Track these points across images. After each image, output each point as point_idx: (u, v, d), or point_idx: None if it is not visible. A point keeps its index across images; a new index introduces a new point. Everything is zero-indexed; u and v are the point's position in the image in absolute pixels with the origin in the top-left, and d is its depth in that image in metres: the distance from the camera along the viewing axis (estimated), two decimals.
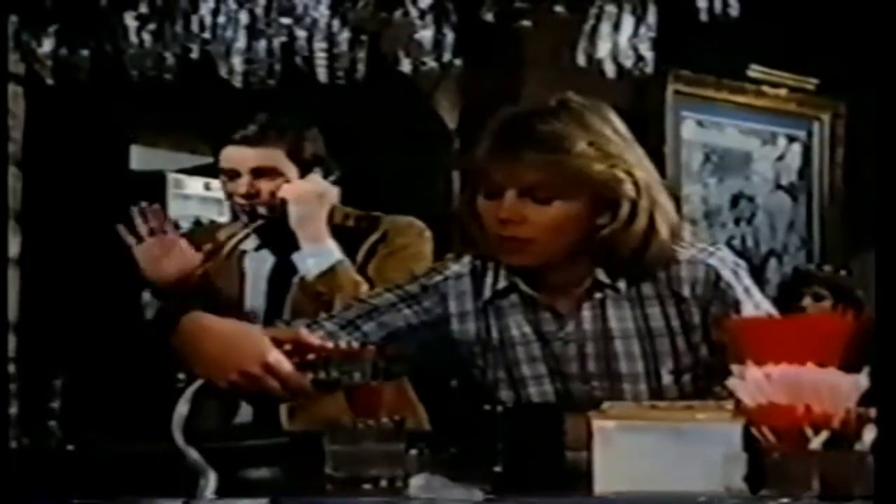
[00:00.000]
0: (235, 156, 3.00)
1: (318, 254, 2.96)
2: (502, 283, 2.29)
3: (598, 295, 2.26)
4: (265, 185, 2.99)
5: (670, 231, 2.22)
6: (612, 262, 2.22)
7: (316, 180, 3.02)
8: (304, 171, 3.02)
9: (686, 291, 2.24)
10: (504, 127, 2.18)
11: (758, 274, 6.23)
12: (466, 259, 2.36)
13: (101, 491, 1.99)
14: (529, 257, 2.21)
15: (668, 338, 2.26)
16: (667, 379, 2.27)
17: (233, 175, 3.01)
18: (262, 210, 3.00)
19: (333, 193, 3.06)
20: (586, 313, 2.27)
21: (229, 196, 3.06)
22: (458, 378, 2.67)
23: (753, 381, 1.87)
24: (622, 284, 2.24)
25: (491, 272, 2.31)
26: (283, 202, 2.98)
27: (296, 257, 2.98)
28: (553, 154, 2.12)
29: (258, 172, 2.98)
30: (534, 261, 2.22)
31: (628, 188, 2.17)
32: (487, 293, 2.30)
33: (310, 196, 2.99)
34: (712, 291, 2.23)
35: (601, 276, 2.25)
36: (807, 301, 5.24)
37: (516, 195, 2.14)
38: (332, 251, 2.97)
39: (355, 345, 2.10)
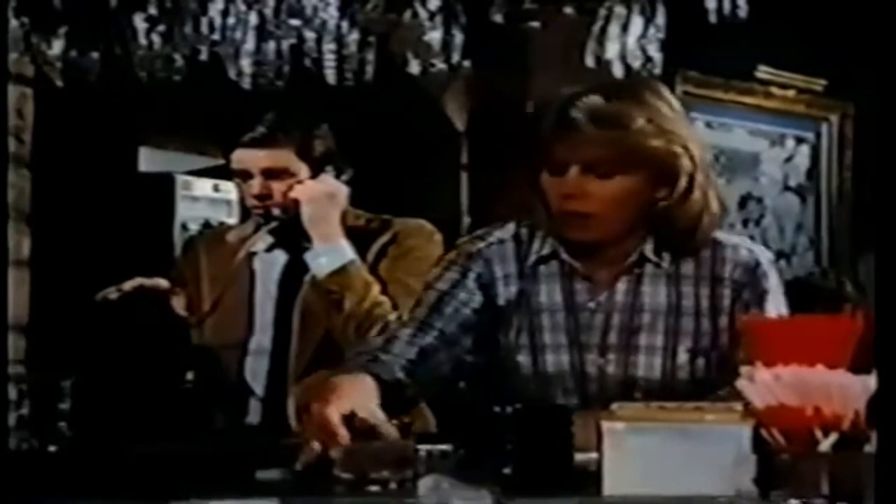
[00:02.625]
0: (246, 157, 3.00)
1: (330, 252, 2.96)
2: (546, 250, 2.36)
3: (637, 270, 2.33)
4: (277, 186, 3.00)
5: (720, 207, 2.31)
6: (665, 235, 2.30)
7: (327, 180, 3.02)
8: (315, 170, 3.02)
9: (726, 272, 2.33)
10: (566, 105, 2.23)
11: None
12: (510, 226, 2.43)
13: (107, 493, 1.99)
14: (591, 232, 2.29)
15: (693, 317, 2.33)
16: (682, 357, 2.32)
17: (245, 176, 3.02)
18: (275, 211, 3.01)
19: (345, 193, 3.06)
20: (621, 286, 2.34)
21: (242, 197, 3.07)
22: (465, 380, 2.67)
23: (763, 383, 1.87)
24: (666, 261, 2.32)
25: (537, 239, 2.38)
26: (296, 202, 2.99)
27: (308, 256, 2.98)
28: (613, 130, 2.19)
29: (269, 173, 2.99)
30: (595, 235, 2.29)
31: (685, 162, 2.25)
32: (532, 258, 2.37)
33: (322, 196, 3.00)
34: (749, 276, 2.32)
35: (648, 251, 2.31)
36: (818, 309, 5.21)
37: (579, 171, 2.22)
38: (345, 250, 2.97)
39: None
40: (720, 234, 2.37)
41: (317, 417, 2.06)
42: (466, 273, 2.40)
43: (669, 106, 2.28)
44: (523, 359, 2.37)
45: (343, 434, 2.01)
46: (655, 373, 2.31)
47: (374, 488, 1.93)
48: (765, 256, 2.37)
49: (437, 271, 2.45)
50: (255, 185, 2.99)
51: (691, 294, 2.33)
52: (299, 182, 2.99)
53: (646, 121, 2.22)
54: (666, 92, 2.30)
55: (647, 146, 2.21)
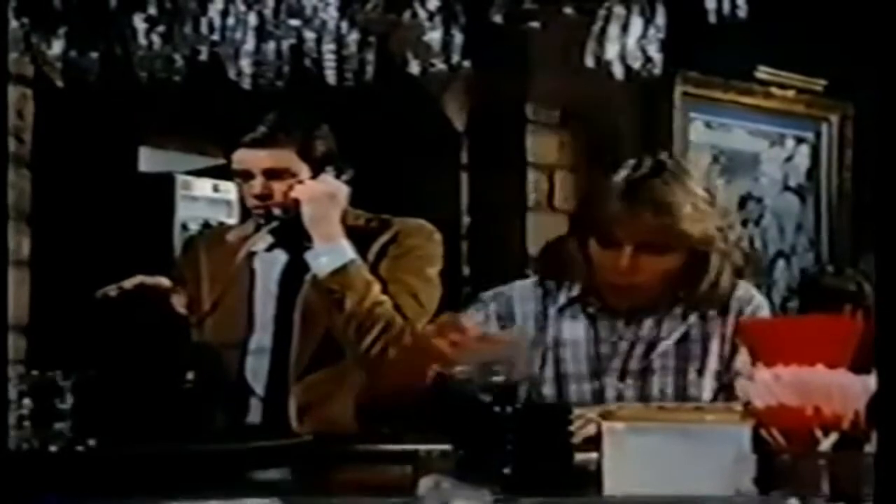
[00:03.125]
0: (247, 158, 3.00)
1: (331, 252, 2.97)
2: (575, 292, 2.63)
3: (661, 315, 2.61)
4: (278, 186, 3.00)
5: (744, 259, 2.64)
6: (689, 298, 2.61)
7: (328, 180, 3.03)
8: (316, 170, 3.02)
9: (732, 307, 2.63)
10: (629, 191, 2.50)
11: (766, 276, 6.24)
12: (532, 277, 2.72)
13: (107, 492, 1.99)
14: (635, 300, 2.58)
15: (700, 343, 2.61)
16: (692, 375, 2.57)
17: (246, 177, 3.02)
18: (276, 211, 3.01)
19: (345, 193, 3.06)
20: (649, 322, 2.61)
21: (242, 197, 3.08)
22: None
23: (763, 383, 1.87)
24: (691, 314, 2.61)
25: (564, 287, 2.65)
26: (297, 202, 2.99)
27: (308, 255, 2.99)
28: (667, 217, 2.49)
29: (270, 173, 2.99)
30: (638, 303, 2.59)
31: (719, 244, 2.57)
32: (562, 300, 2.63)
33: (322, 196, 3.00)
34: (745, 306, 2.63)
35: (677, 313, 2.61)
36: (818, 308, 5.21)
37: (633, 249, 2.49)
38: (346, 250, 2.97)
39: None
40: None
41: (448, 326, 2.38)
42: (487, 311, 2.67)
43: (706, 188, 2.56)
44: (548, 390, 2.60)
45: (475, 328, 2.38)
46: (669, 391, 2.56)
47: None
48: (760, 297, 2.67)
49: (468, 313, 2.67)
50: (256, 185, 2.99)
51: (702, 324, 2.62)
52: (300, 182, 3.00)
53: (691, 207, 2.51)
54: (699, 173, 2.58)
55: (692, 230, 2.51)
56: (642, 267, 2.51)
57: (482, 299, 2.70)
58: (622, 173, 2.54)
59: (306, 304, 3.01)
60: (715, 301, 2.61)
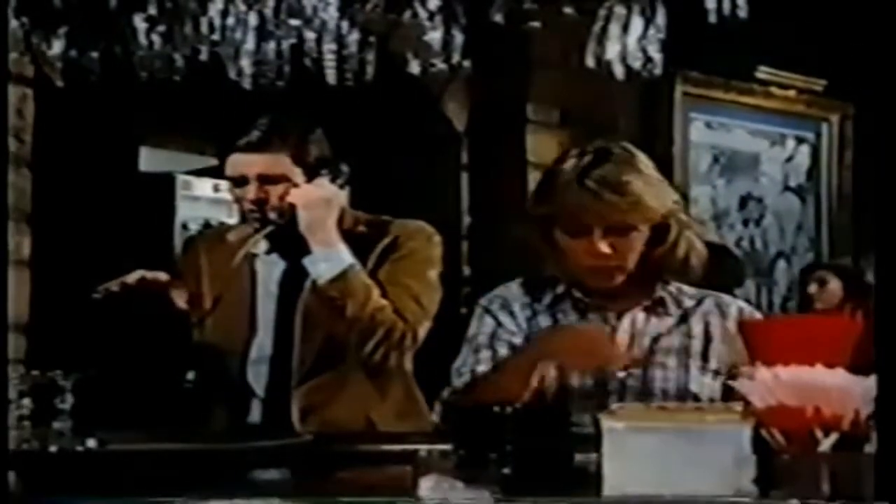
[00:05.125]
0: (241, 163, 2.99)
1: (329, 258, 2.95)
2: (560, 290, 2.65)
3: (646, 305, 2.63)
4: (273, 191, 2.98)
5: (702, 253, 2.63)
6: (654, 278, 2.62)
7: (323, 185, 3.01)
8: (310, 175, 3.01)
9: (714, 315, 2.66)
10: (582, 176, 2.53)
11: (766, 275, 6.24)
12: (517, 280, 2.72)
13: (107, 492, 1.99)
14: (613, 280, 2.60)
15: (701, 340, 2.63)
16: (694, 371, 2.58)
17: (240, 182, 3.01)
18: (271, 215, 3.00)
19: (342, 197, 3.05)
20: (632, 317, 2.62)
21: (237, 202, 3.06)
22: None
23: (762, 383, 1.87)
24: (672, 305, 2.64)
25: (549, 283, 2.66)
26: (293, 207, 2.98)
27: (307, 262, 2.97)
28: (627, 196, 2.51)
29: (265, 178, 2.98)
30: (616, 283, 2.60)
31: (677, 217, 2.60)
32: (547, 298, 2.65)
33: (318, 201, 2.99)
34: (725, 310, 2.66)
35: (660, 290, 2.63)
36: (812, 288, 5.23)
37: (602, 233, 2.52)
38: (344, 256, 2.96)
39: None
40: (708, 291, 2.69)
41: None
42: (496, 316, 2.68)
43: (653, 168, 2.59)
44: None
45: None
46: (670, 385, 2.57)
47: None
48: (738, 303, 2.69)
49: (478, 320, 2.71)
50: (252, 190, 2.98)
51: (689, 326, 2.64)
52: (295, 187, 2.99)
53: (644, 183, 2.54)
54: (642, 155, 2.61)
55: (648, 206, 2.54)
56: (617, 248, 2.54)
57: (483, 305, 2.70)
58: (570, 162, 2.56)
59: (307, 308, 3.00)
60: (690, 272, 2.63)
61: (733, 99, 5.99)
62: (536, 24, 3.03)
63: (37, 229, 4.03)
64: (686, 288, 2.66)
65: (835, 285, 5.19)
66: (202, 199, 5.32)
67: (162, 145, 5.66)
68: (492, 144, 5.39)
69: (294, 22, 2.90)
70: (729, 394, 2.27)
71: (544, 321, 2.64)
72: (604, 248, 2.53)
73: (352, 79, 2.95)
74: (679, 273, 2.64)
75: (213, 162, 4.92)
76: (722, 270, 3.39)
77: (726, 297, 2.70)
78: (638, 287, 2.63)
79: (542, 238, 2.61)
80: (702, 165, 5.98)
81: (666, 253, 2.61)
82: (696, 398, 2.55)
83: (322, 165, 3.03)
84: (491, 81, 5.08)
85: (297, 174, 2.99)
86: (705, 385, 2.57)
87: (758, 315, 2.71)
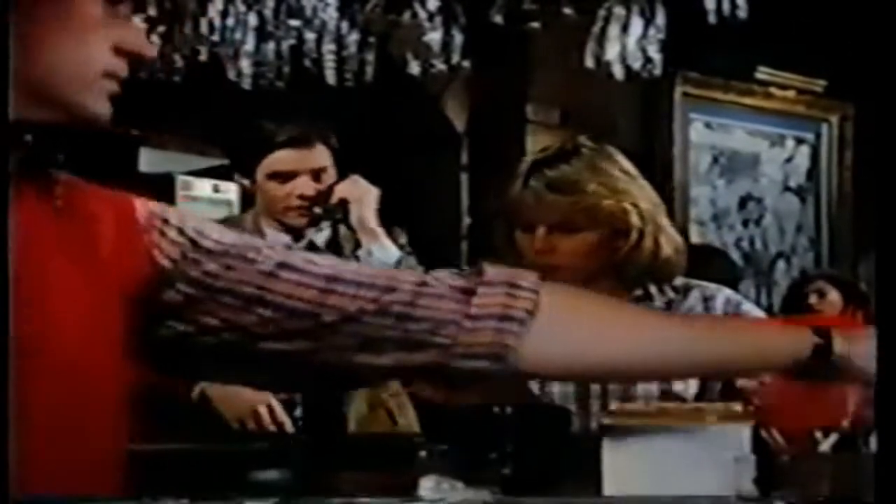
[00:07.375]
0: (290, 158, 2.98)
1: (380, 251, 2.97)
2: None
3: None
4: (319, 185, 2.99)
5: (675, 250, 2.60)
6: (627, 279, 2.59)
7: (362, 180, 3.03)
8: (338, 170, 3.04)
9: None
10: (529, 173, 2.54)
11: (766, 276, 6.24)
12: None
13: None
14: (561, 279, 2.50)
15: None
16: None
17: (288, 177, 2.99)
18: (318, 210, 3.00)
19: (377, 192, 3.06)
20: None
21: (270, 199, 3.02)
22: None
23: (763, 382, 1.87)
24: (658, 300, 2.60)
25: None
26: (344, 202, 2.98)
27: (360, 255, 2.97)
28: (571, 196, 2.50)
29: (315, 173, 2.98)
30: (566, 281, 2.52)
31: (634, 218, 2.55)
32: None
33: (366, 195, 3.01)
34: (711, 302, 2.61)
35: (640, 291, 2.58)
36: (812, 299, 5.25)
37: (546, 231, 2.52)
38: (392, 248, 2.98)
39: None
40: (695, 282, 2.65)
41: None
42: None
43: (620, 168, 2.57)
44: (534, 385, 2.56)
45: None
46: (652, 387, 2.53)
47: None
48: (727, 293, 2.63)
49: None
50: (300, 184, 2.97)
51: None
52: (335, 181, 3.00)
53: (597, 184, 2.52)
54: (618, 155, 2.59)
55: (600, 207, 2.52)
56: (559, 247, 2.54)
57: None
58: (528, 160, 2.59)
59: None
60: (659, 273, 2.60)
61: (733, 99, 5.99)
62: (536, 24, 3.03)
63: None
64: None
65: (834, 296, 5.21)
66: (202, 200, 5.32)
67: (162, 145, 5.66)
68: (492, 144, 5.39)
69: (294, 22, 2.91)
70: (729, 394, 2.26)
71: None
72: (544, 245, 2.53)
73: (351, 79, 2.95)
74: (648, 273, 2.61)
75: (213, 162, 4.93)
76: (712, 272, 3.36)
77: (712, 286, 2.66)
78: (614, 286, 2.58)
79: (503, 233, 2.62)
80: (702, 166, 5.97)
81: (630, 252, 2.57)
82: (680, 398, 2.50)
83: (337, 161, 3.05)
84: (491, 81, 5.08)
85: (333, 168, 3.01)
86: (690, 383, 2.53)
87: (745, 304, 2.67)
